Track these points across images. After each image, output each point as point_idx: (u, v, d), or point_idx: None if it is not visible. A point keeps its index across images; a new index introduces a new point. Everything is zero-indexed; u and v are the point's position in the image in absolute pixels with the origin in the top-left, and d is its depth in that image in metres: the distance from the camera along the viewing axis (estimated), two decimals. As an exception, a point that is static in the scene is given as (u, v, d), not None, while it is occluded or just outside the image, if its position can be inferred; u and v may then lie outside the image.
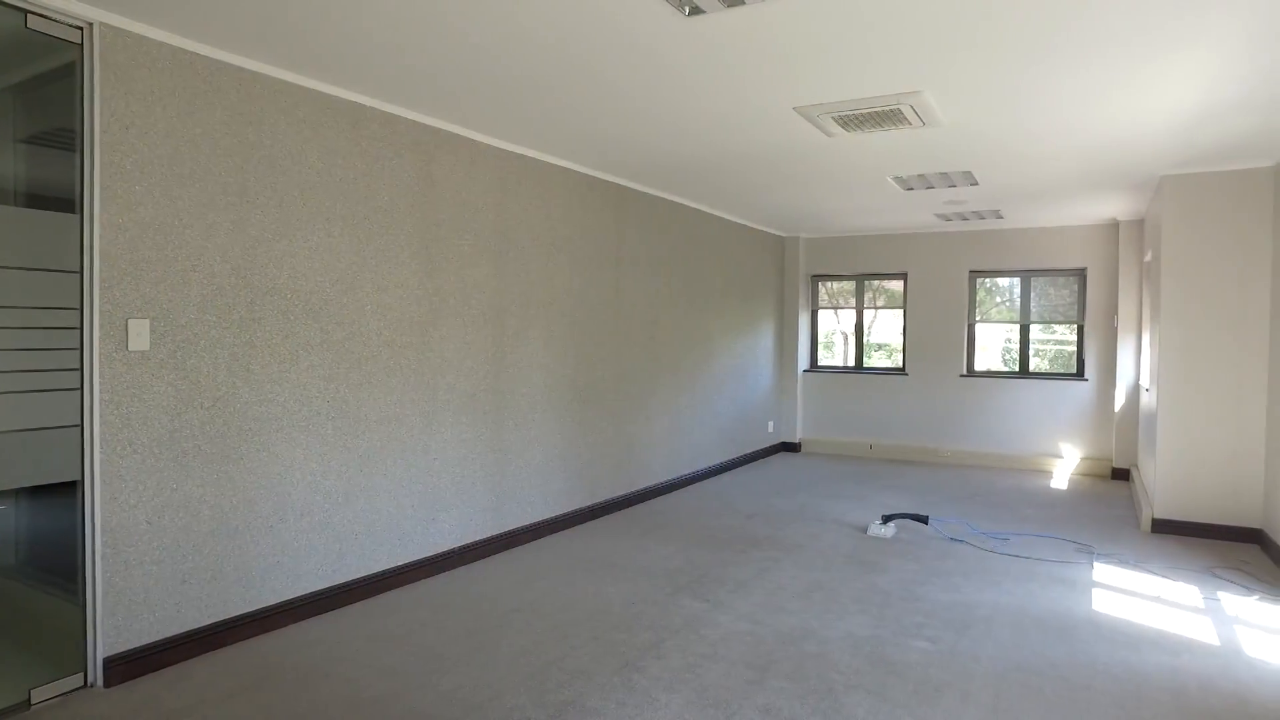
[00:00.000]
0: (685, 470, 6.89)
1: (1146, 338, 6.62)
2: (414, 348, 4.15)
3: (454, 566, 4.40)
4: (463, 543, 4.48)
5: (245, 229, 3.35)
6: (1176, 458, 5.32)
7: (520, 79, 3.54)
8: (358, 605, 3.82)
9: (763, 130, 4.33)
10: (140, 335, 2.99)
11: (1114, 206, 6.75)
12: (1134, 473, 7.06)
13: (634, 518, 5.68)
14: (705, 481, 7.10)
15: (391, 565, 4.05)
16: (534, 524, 5.02)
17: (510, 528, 4.83)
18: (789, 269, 9.03)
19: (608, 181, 5.73)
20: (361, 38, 3.08)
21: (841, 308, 9.17)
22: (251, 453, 3.38)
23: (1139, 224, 7.31)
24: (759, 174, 5.53)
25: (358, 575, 3.88)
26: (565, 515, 5.31)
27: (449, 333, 4.36)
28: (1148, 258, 6.58)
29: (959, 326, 8.33)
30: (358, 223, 3.83)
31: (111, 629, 2.95)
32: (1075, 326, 7.95)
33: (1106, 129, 4.23)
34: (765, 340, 8.62)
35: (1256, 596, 4.11)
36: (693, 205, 6.92)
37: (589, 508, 5.56)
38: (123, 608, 2.99)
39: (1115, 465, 7.53)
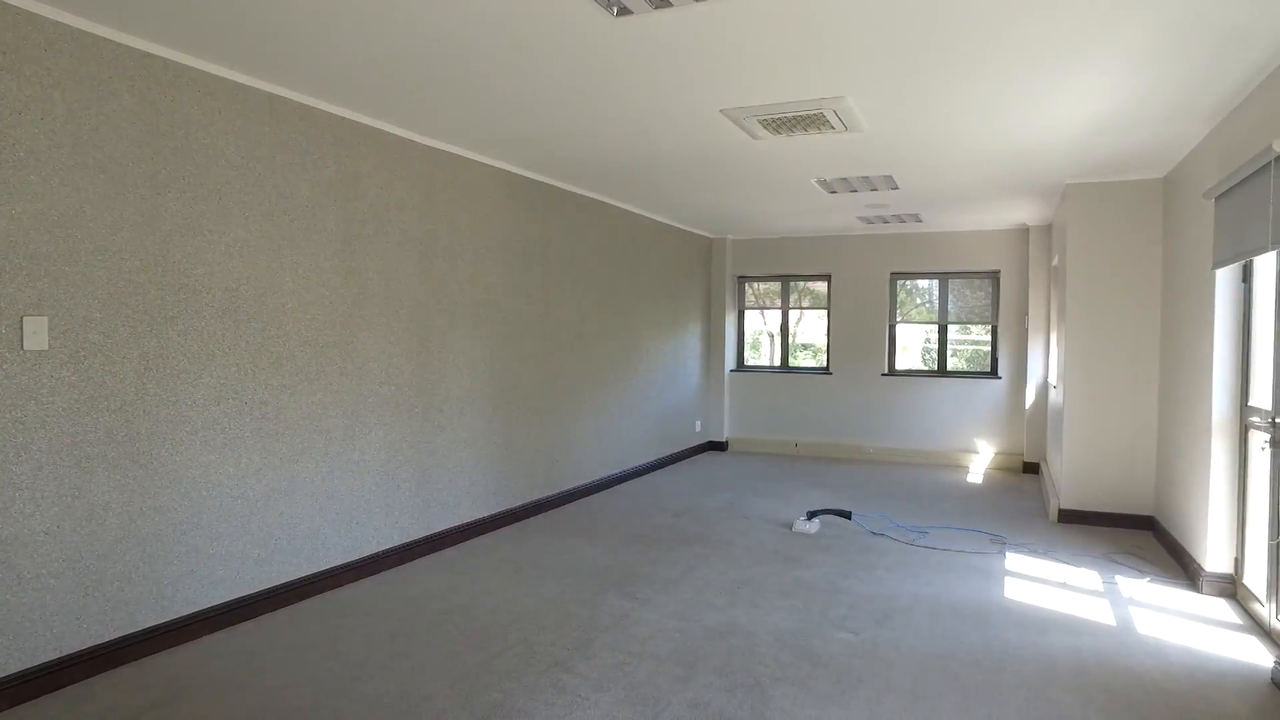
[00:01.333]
0: (614, 470, 6.90)
1: (1054, 338, 6.96)
2: (337, 348, 4.04)
3: (380, 570, 4.30)
4: (388, 546, 4.38)
5: (156, 223, 3.20)
6: (1080, 451, 5.61)
7: (447, 75, 3.49)
8: (279, 613, 3.70)
9: (690, 132, 4.38)
10: (37, 334, 2.83)
11: (1025, 212, 7.07)
12: (1043, 466, 7.41)
13: (563, 518, 5.66)
14: (634, 481, 7.13)
15: (314, 570, 3.93)
16: (462, 525, 4.95)
17: (438, 530, 4.75)
18: (716, 270, 9.14)
19: (536, 181, 5.69)
20: (278, 28, 2.98)
21: (768, 308, 9.34)
22: (163, 457, 3.24)
23: (1047, 229, 7.67)
24: (687, 175, 5.58)
25: (279, 581, 3.75)
26: (494, 516, 5.25)
27: (373, 333, 4.26)
28: (1054, 262, 6.92)
29: (881, 327, 8.59)
30: (277, 218, 3.71)
31: (0, 650, 2.78)
32: (989, 327, 8.29)
33: (1017, 138, 4.43)
34: (693, 341, 8.71)
35: (1148, 579, 4.36)
36: (622, 206, 6.94)
37: (518, 508, 5.51)
38: (13, 626, 2.81)
39: (1026, 460, 7.88)
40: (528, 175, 5.57)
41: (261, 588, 3.67)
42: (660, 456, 7.84)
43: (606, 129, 4.35)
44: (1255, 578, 3.76)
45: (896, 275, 8.59)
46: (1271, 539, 3.44)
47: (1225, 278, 4.02)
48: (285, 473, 3.76)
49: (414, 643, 3.38)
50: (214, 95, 3.41)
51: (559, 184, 5.95)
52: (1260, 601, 3.64)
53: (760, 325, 9.56)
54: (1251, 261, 3.82)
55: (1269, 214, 3.16)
